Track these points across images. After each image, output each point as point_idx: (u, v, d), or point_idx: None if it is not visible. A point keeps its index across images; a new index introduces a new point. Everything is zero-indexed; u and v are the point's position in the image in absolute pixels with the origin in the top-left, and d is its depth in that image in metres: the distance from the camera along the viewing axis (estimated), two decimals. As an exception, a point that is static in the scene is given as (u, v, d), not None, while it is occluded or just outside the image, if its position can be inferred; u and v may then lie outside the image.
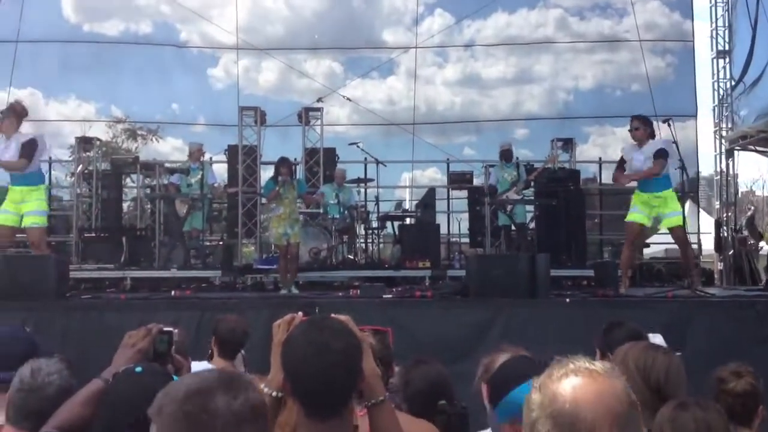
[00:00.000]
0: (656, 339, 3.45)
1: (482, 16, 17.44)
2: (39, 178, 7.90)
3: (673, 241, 8.36)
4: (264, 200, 12.27)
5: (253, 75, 19.41)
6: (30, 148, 7.48)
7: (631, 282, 8.29)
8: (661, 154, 7.69)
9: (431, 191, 13.65)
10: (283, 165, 9.12)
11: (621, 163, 8.11)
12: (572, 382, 1.44)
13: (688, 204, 9.71)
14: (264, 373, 2.27)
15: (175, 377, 2.46)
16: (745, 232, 13.26)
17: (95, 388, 2.47)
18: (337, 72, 18.71)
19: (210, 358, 4.43)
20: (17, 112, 7.60)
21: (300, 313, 2.30)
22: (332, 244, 10.84)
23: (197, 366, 3.25)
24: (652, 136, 7.91)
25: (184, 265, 10.34)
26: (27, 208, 7.65)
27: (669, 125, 7.90)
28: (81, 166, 13.26)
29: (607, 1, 17.13)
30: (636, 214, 7.90)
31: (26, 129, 7.82)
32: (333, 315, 2.18)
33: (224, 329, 4.55)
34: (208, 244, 12.18)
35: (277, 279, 9.77)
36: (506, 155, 11.23)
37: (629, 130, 8.02)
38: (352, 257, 11.66)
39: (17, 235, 8.31)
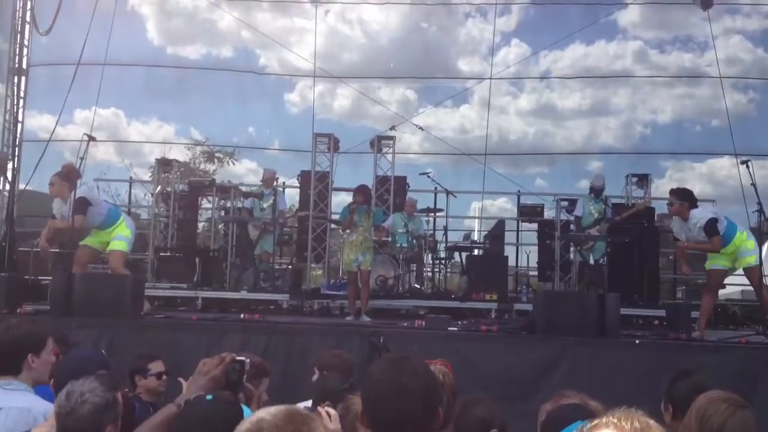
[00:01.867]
0: None
1: (559, 47, 17.38)
2: (114, 217, 8.28)
3: (748, 282, 8.12)
4: (333, 226, 12.44)
5: (328, 101, 19.78)
6: (80, 206, 7.81)
7: (706, 324, 8.05)
8: (711, 231, 7.58)
9: (501, 223, 13.52)
10: (360, 193, 9.14)
11: (677, 238, 8.06)
12: None
13: (766, 246, 9.35)
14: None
15: (244, 406, 2.54)
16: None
17: (168, 413, 2.56)
18: (410, 99, 18.87)
19: None
20: (69, 177, 7.92)
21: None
22: (399, 272, 10.90)
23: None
24: (693, 206, 7.81)
25: (253, 288, 10.56)
26: (112, 236, 8.16)
27: (747, 167, 7.73)
28: (160, 186, 13.71)
29: (688, 34, 16.83)
30: (718, 260, 7.76)
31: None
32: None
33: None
34: (277, 267, 12.38)
35: (344, 305, 9.85)
36: (596, 191, 10.93)
37: (667, 204, 7.97)
38: (418, 286, 11.67)
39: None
